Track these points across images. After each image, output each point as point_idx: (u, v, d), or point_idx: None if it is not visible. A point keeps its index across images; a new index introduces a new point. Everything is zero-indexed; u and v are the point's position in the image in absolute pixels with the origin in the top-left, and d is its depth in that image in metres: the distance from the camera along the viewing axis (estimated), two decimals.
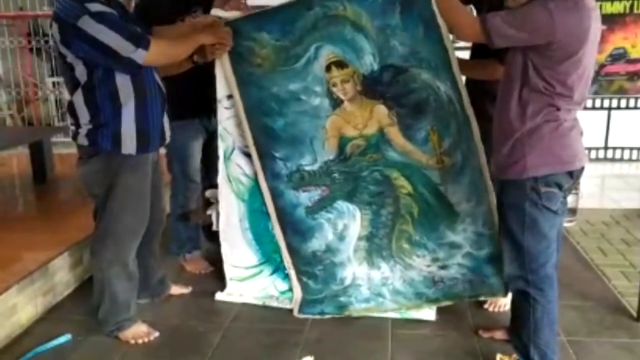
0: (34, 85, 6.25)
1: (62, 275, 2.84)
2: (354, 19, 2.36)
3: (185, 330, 2.55)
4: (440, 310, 2.61)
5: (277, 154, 2.58)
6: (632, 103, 5.20)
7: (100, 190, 2.34)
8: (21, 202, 4.10)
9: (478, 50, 2.56)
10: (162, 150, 2.66)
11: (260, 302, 2.75)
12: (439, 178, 2.49)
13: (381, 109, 2.48)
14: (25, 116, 6.36)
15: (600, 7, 4.74)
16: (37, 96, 6.29)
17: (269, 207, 2.65)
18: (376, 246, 2.63)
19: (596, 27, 1.93)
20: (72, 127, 2.32)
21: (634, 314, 2.60)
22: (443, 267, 2.58)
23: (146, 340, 2.44)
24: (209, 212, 2.86)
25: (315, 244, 2.66)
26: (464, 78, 2.44)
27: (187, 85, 2.71)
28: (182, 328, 2.57)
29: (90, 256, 2.52)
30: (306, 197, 2.62)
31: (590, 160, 4.77)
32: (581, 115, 2.08)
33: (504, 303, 2.60)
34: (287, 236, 2.67)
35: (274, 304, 2.74)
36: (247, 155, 2.66)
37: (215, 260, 2.99)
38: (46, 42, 5.96)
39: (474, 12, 2.53)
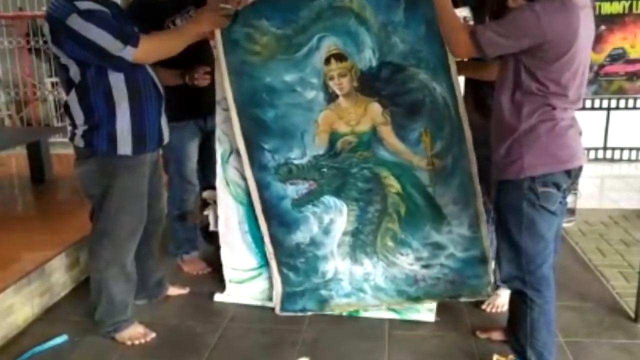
0: (32, 86, 6.25)
1: (59, 276, 2.84)
2: (359, 12, 2.36)
3: (183, 331, 2.54)
4: (437, 311, 2.61)
5: (265, 146, 2.56)
6: (631, 103, 5.18)
7: (97, 191, 2.33)
8: (18, 203, 4.10)
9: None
10: (161, 151, 2.66)
11: (260, 304, 2.74)
12: (429, 179, 2.51)
13: (375, 107, 2.47)
14: (24, 117, 6.35)
15: (599, 7, 4.81)
16: (36, 97, 6.29)
17: (254, 198, 2.63)
18: (361, 242, 2.63)
19: (587, 25, 1.93)
20: (70, 128, 2.31)
21: (632, 314, 2.59)
22: (426, 267, 2.60)
23: (143, 341, 2.44)
24: (205, 212, 2.86)
25: (300, 236, 2.65)
26: (462, 79, 2.44)
27: (182, 87, 2.71)
28: (180, 329, 2.56)
29: (88, 257, 2.51)
30: (293, 190, 2.61)
31: (589, 160, 4.76)
32: (580, 116, 2.08)
33: (502, 304, 2.60)
34: (271, 228, 2.65)
35: (273, 305, 2.72)
36: None
37: (213, 261, 2.99)
38: (45, 42, 5.92)
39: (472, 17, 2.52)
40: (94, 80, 2.19)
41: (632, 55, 5.05)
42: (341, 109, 2.50)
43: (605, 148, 5.28)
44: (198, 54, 2.65)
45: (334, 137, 2.53)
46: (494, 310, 2.64)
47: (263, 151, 2.56)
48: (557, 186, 2.01)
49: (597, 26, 4.66)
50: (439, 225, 2.55)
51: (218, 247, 2.82)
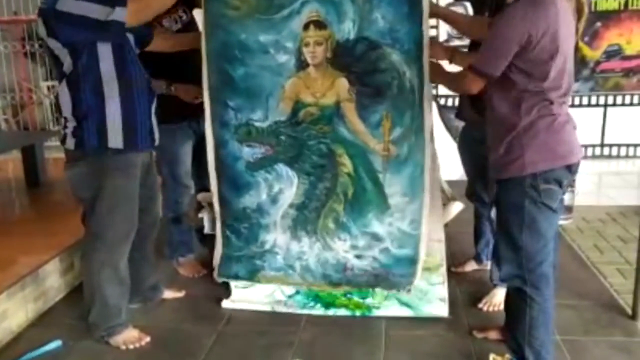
0: (28, 90, 6.23)
1: (53, 281, 2.82)
2: None
3: (179, 334, 2.53)
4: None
5: (230, 103, 2.56)
6: (627, 100, 5.17)
7: (87, 194, 2.31)
8: (13, 206, 4.08)
9: (476, 46, 2.55)
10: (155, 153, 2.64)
11: (269, 308, 2.70)
12: (381, 165, 2.51)
13: (343, 82, 2.47)
14: (20, 121, 6.35)
15: (595, 3, 4.79)
16: (32, 101, 6.27)
17: (209, 155, 2.64)
18: (304, 217, 2.64)
19: (566, 17, 1.95)
20: (61, 128, 2.30)
21: (630, 312, 2.58)
22: (358, 257, 2.62)
23: (137, 345, 2.42)
24: (200, 215, 2.84)
25: (248, 200, 2.65)
26: None
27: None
28: (176, 332, 2.55)
29: (81, 260, 2.50)
30: (249, 152, 2.61)
31: (587, 157, 4.75)
32: (577, 113, 2.11)
33: (499, 302, 2.58)
34: (222, 188, 2.67)
35: (283, 309, 2.68)
36: None
37: (209, 264, 2.97)
38: (40, 46, 5.93)
39: (471, 11, 2.52)
40: (85, 70, 2.19)
41: (628, 51, 5.02)
42: (310, 78, 2.49)
43: (602, 145, 5.26)
44: (184, 64, 2.66)
45: (297, 106, 2.53)
46: (491, 309, 2.63)
47: (227, 108, 2.57)
48: (559, 182, 2.02)
49: (593, 23, 4.70)
50: (381, 215, 2.55)
51: (212, 249, 2.80)
